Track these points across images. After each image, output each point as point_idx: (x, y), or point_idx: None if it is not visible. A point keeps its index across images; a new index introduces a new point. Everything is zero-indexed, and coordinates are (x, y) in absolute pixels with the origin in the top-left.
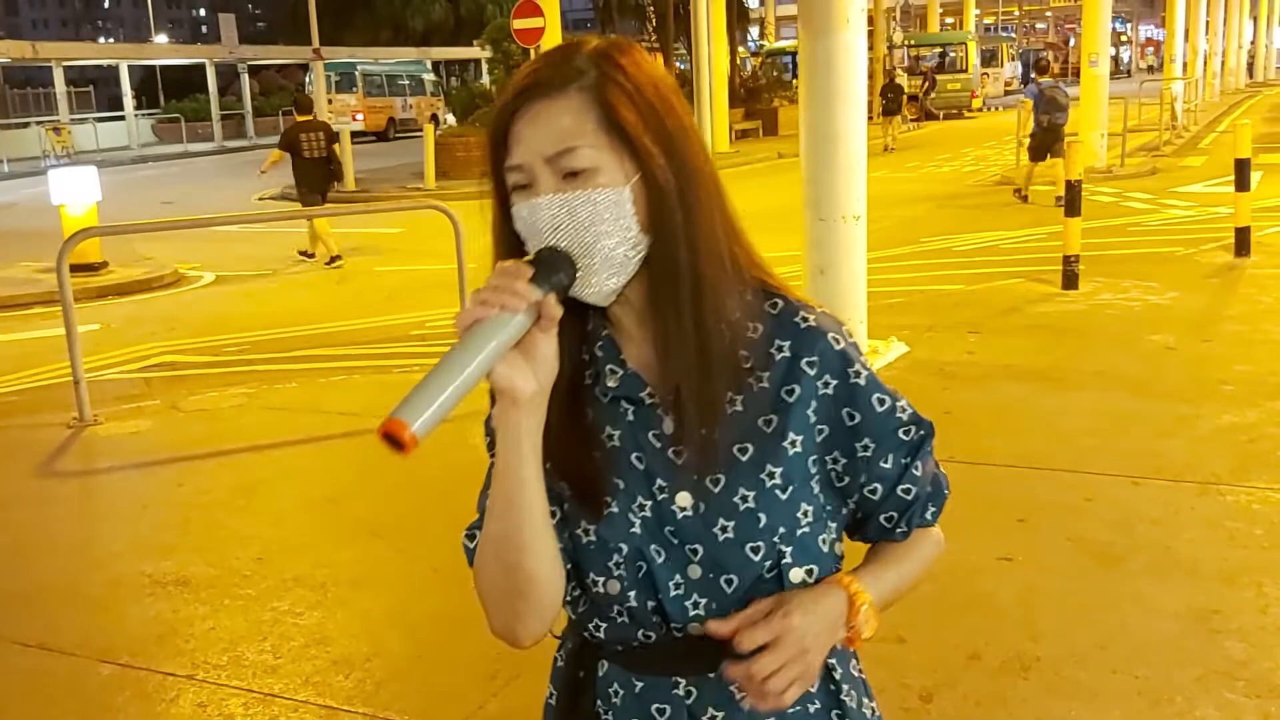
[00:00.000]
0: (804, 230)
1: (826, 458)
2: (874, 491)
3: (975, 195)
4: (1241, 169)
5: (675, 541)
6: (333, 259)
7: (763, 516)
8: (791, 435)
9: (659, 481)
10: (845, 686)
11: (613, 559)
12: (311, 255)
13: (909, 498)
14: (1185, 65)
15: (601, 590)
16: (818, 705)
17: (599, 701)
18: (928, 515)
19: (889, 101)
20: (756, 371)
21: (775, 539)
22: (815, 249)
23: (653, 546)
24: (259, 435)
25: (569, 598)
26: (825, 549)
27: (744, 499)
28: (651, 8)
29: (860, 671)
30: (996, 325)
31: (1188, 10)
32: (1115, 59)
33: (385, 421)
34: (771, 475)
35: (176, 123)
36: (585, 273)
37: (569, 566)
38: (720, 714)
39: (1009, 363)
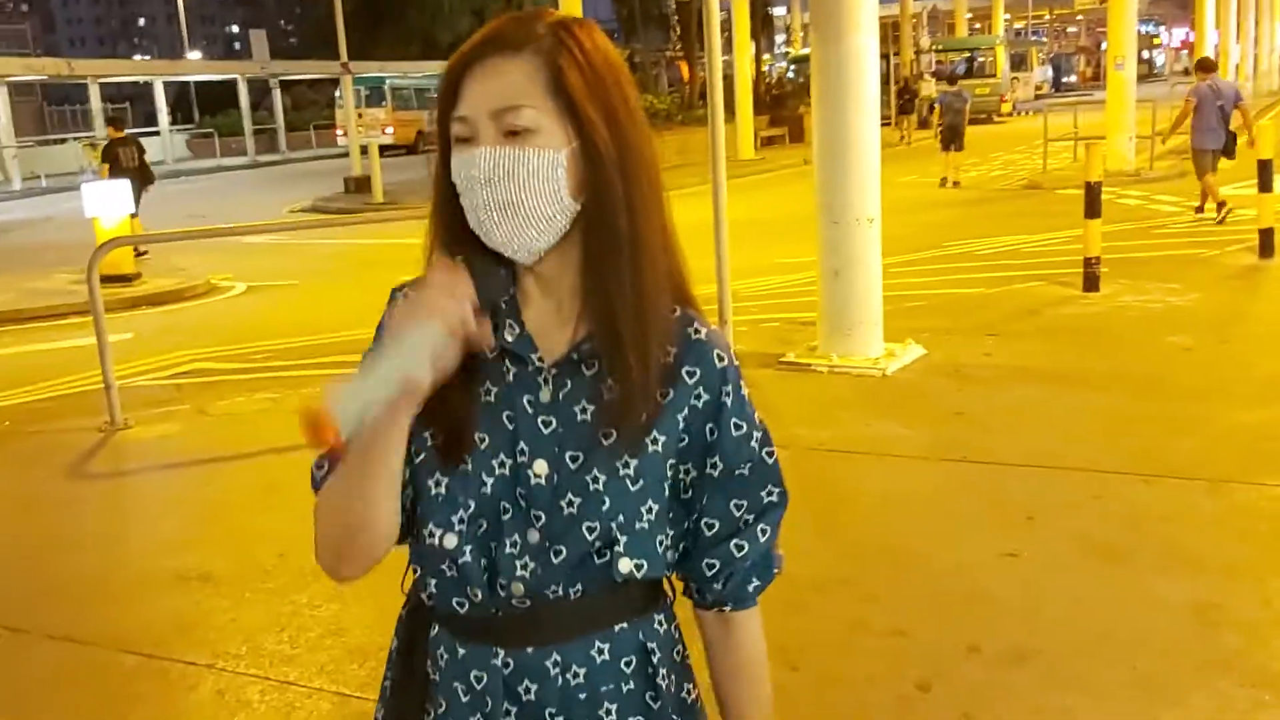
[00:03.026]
0: (818, 233)
1: (681, 466)
2: (710, 527)
3: (1001, 200)
4: (1264, 170)
5: (523, 505)
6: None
7: (607, 500)
8: (656, 434)
9: (522, 444)
10: (663, 670)
11: (457, 513)
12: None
13: (739, 555)
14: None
15: (436, 543)
16: (631, 686)
17: (429, 662)
18: (749, 587)
19: (904, 102)
20: None
21: (613, 524)
22: (830, 252)
23: (502, 503)
24: (283, 438)
25: (412, 559)
26: (660, 550)
27: (595, 480)
28: (675, 17)
29: (683, 656)
30: (1015, 328)
31: (1217, 14)
32: (1148, 62)
33: (311, 412)
34: (626, 465)
35: (210, 138)
36: (514, 229)
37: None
38: (534, 687)
39: (1025, 365)
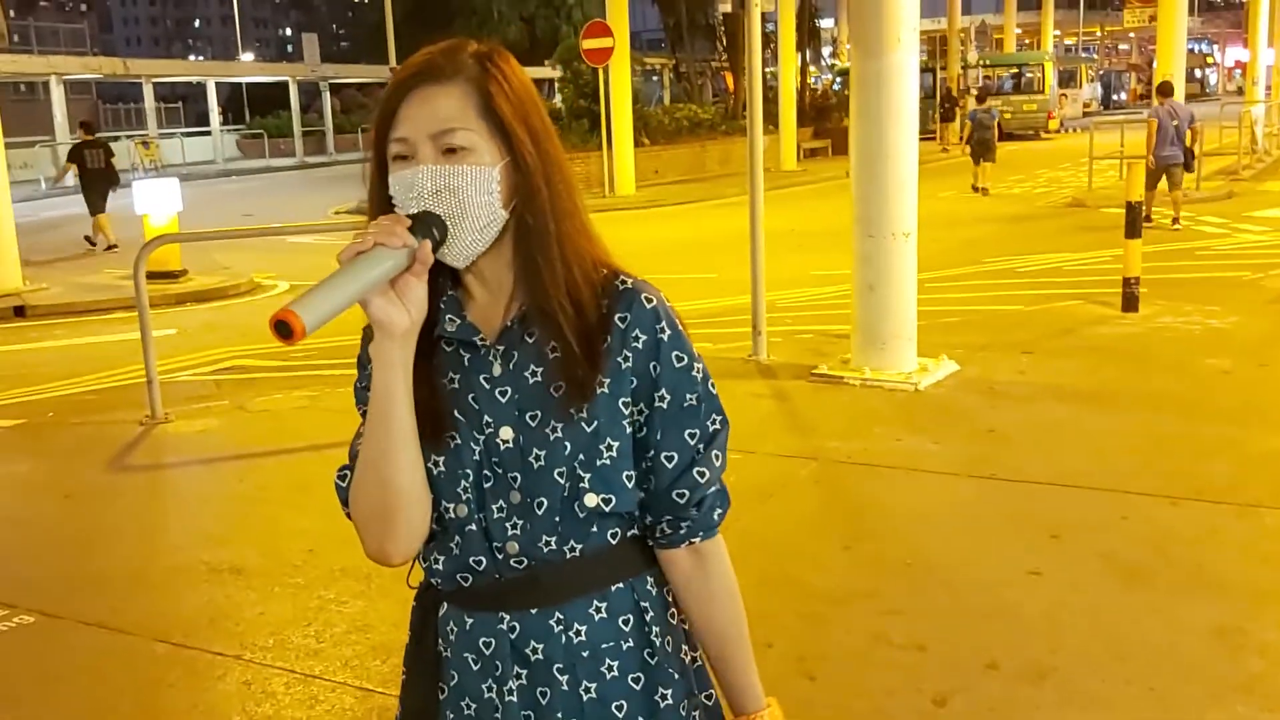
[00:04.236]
0: (854, 247)
1: (634, 408)
2: (670, 459)
3: (1044, 217)
4: None
5: (500, 470)
6: (110, 246)
7: (568, 444)
8: (602, 377)
9: (486, 418)
10: (657, 629)
11: (460, 484)
12: (94, 243)
13: (704, 480)
14: (1269, 88)
15: (452, 515)
16: (630, 644)
17: (439, 640)
18: (715, 515)
19: (945, 111)
20: None
21: (575, 464)
22: (865, 265)
23: (484, 472)
24: (318, 435)
25: (420, 550)
26: (630, 485)
27: (554, 429)
28: (722, 28)
29: (678, 620)
30: (1051, 346)
31: (1271, 33)
32: (1201, 81)
33: (281, 311)
34: (580, 410)
35: (260, 138)
36: (453, 237)
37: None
38: (541, 646)
39: (1059, 383)
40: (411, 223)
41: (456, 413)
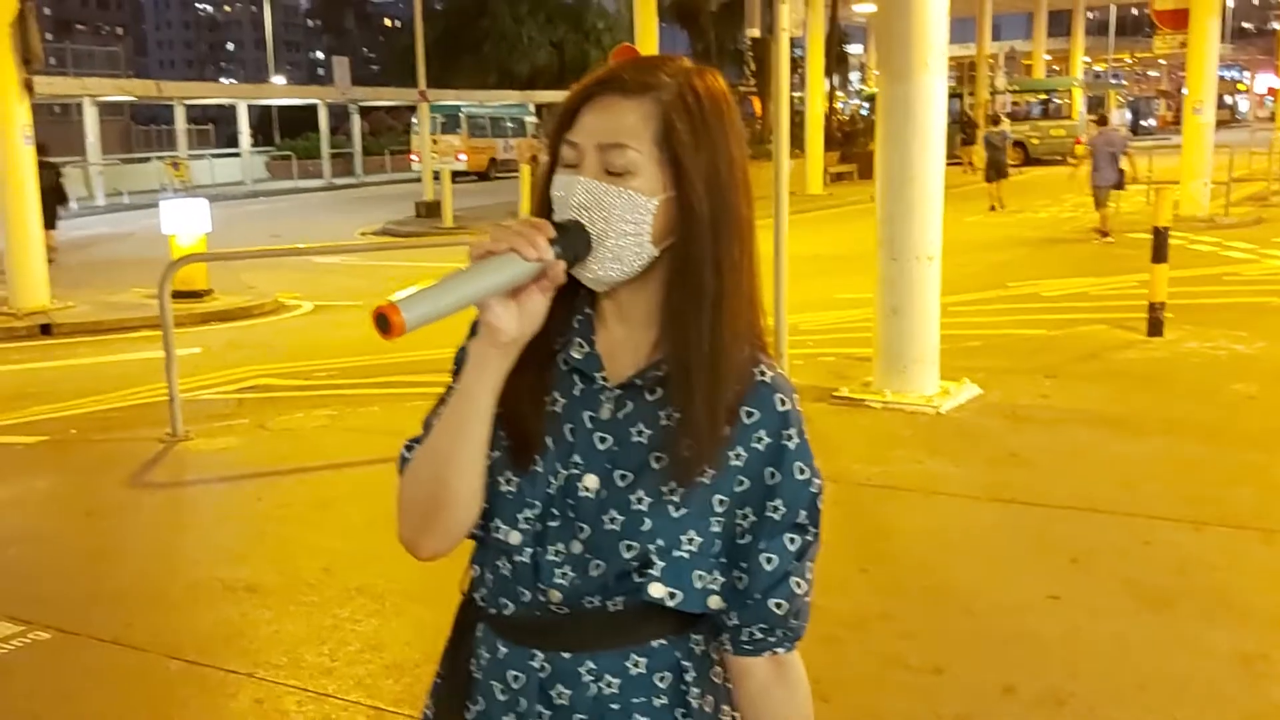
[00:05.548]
0: (877, 270)
1: (738, 510)
2: (769, 561)
3: (1070, 242)
4: None
5: (571, 515)
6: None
7: (648, 521)
8: (707, 467)
9: (576, 457)
10: (696, 690)
11: (524, 512)
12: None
13: (800, 592)
14: None
15: (501, 538)
16: (663, 701)
17: (473, 659)
18: (803, 627)
19: (967, 135)
20: None
21: (650, 547)
22: (888, 289)
23: (553, 509)
24: (338, 454)
25: (474, 558)
26: (698, 586)
27: (639, 500)
28: (750, 53)
29: (722, 679)
30: (1075, 370)
31: None
32: (1231, 108)
33: (385, 305)
34: (673, 491)
35: (288, 160)
36: (593, 257)
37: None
38: (568, 692)
39: (1082, 408)
40: (556, 233)
41: (548, 438)
